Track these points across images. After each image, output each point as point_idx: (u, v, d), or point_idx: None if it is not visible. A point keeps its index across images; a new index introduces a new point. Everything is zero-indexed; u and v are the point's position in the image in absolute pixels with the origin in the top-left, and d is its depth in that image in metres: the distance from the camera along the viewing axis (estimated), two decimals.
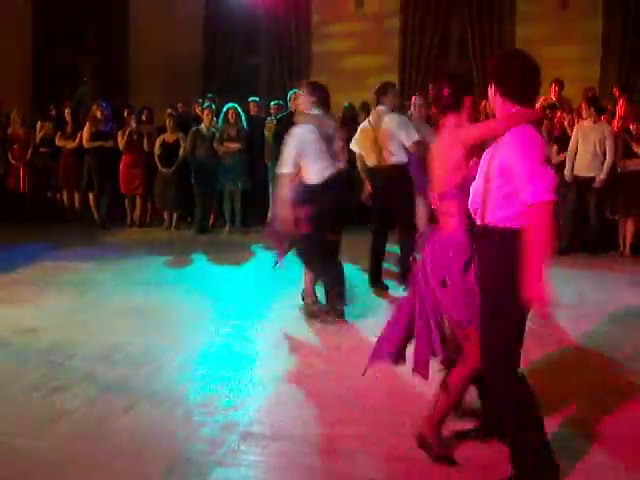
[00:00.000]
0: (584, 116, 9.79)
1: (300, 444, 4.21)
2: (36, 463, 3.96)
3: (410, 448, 4.09)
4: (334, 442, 4.24)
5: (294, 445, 4.20)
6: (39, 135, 12.49)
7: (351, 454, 4.09)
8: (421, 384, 4.32)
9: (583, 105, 9.91)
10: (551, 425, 4.03)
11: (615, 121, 10.18)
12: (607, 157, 9.65)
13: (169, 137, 11.70)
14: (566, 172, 9.77)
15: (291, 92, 11.24)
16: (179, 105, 12.84)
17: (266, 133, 11.44)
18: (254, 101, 12.26)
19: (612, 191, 9.79)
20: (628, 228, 9.78)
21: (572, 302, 7.18)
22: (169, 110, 12.20)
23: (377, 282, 7.78)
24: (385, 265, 7.99)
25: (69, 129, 12.23)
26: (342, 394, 4.93)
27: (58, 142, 12.24)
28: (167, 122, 11.79)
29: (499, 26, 13.34)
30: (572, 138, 9.87)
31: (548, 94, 11.46)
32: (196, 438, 4.27)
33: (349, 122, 11.90)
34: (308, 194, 6.35)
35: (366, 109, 11.73)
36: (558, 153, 10.03)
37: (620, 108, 10.46)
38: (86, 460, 4.01)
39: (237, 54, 14.73)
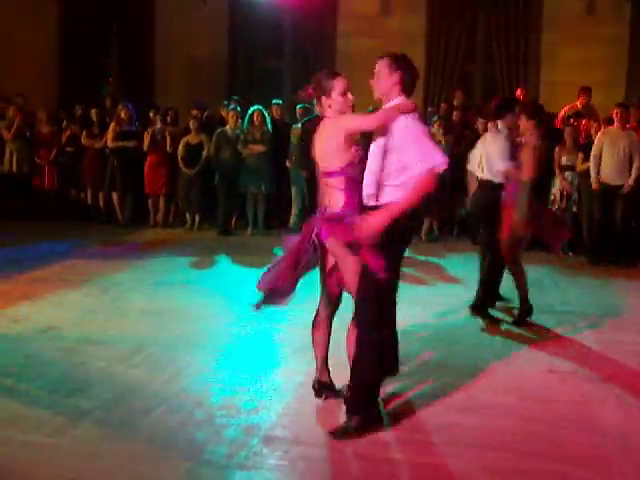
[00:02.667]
0: (616, 122, 9.65)
1: (322, 449, 4.19)
2: (54, 463, 3.95)
3: (434, 454, 4.07)
4: (356, 447, 4.20)
5: (316, 450, 4.17)
6: (65, 134, 12.56)
7: (373, 460, 4.05)
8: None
9: (617, 110, 9.76)
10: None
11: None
12: (636, 163, 9.54)
13: (193, 138, 11.71)
14: (592, 179, 9.67)
15: None
16: (201, 106, 12.83)
17: (292, 137, 11.43)
18: (277, 104, 12.24)
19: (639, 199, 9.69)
20: None
21: (596, 312, 7.12)
22: (194, 111, 12.22)
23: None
24: None
25: (95, 129, 12.29)
26: None
27: (84, 142, 12.30)
28: (191, 123, 11.80)
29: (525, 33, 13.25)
30: (596, 143, 9.71)
31: (574, 101, 11.37)
32: (217, 440, 4.25)
33: None
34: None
35: None
36: (582, 162, 9.93)
37: None
38: (105, 462, 3.99)
39: (261, 56, 14.72)
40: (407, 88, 4.45)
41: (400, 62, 4.48)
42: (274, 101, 12.34)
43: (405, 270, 8.05)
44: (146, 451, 4.11)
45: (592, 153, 9.69)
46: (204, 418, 4.56)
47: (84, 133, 12.33)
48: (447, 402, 4.86)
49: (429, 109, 12.55)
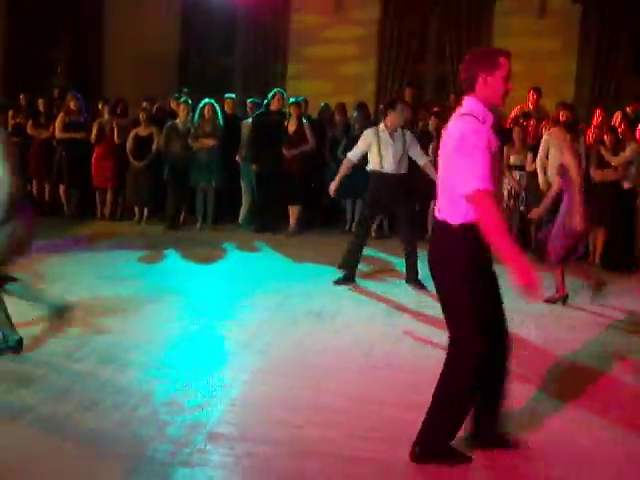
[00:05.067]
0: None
1: (267, 445, 4.16)
2: None
3: (375, 450, 4.07)
4: (301, 444, 4.19)
5: (261, 446, 4.15)
6: (11, 123, 12.29)
7: (320, 456, 4.04)
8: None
9: (562, 111, 9.90)
10: None
11: (590, 131, 10.16)
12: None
13: (142, 130, 11.55)
14: (540, 180, 9.75)
15: (274, 91, 11.25)
16: (151, 98, 12.67)
17: (243, 131, 11.38)
18: (230, 98, 12.14)
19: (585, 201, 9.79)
20: (599, 238, 9.82)
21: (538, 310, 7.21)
22: (144, 104, 12.06)
23: None
24: None
25: (42, 119, 12.08)
26: (309, 396, 4.89)
27: (30, 131, 12.07)
28: (141, 115, 11.64)
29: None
30: (542, 144, 9.73)
31: (525, 102, 11.47)
32: (161, 437, 4.20)
33: (325, 122, 11.91)
34: None
35: (342, 110, 11.71)
36: (532, 162, 10.04)
37: (596, 118, 10.48)
38: (47, 459, 3.92)
39: (213, 53, 14.60)
40: None
41: None
42: (227, 95, 12.23)
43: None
44: (89, 448, 4.05)
45: (538, 154, 9.79)
46: (148, 415, 4.50)
47: (30, 122, 12.10)
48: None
49: (380, 106, 12.56)
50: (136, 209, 11.77)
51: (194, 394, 4.85)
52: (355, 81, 13.60)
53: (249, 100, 12.05)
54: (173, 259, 9.23)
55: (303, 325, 6.55)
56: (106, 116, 11.80)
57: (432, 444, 4.02)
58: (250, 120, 11.40)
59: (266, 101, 11.31)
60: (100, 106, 12.13)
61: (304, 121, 11.05)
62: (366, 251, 8.39)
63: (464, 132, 3.78)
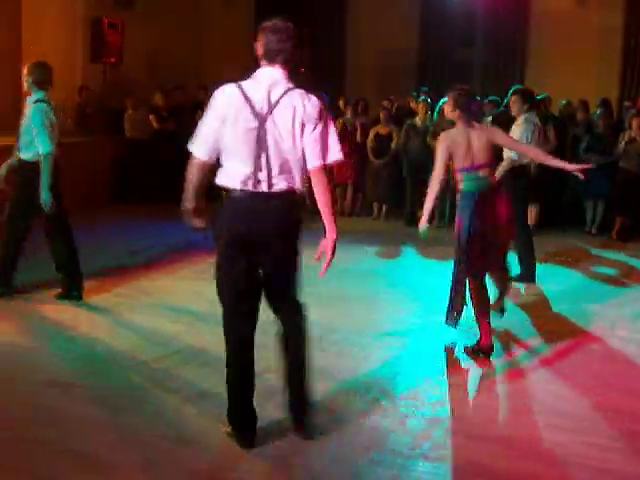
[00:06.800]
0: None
1: (493, 444, 4.16)
2: None
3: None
4: (535, 446, 4.15)
5: (491, 444, 4.15)
6: None
7: (553, 461, 3.98)
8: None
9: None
10: None
11: None
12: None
13: (382, 129, 11.81)
14: None
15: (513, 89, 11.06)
16: (392, 98, 12.93)
17: None
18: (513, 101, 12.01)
19: None
20: None
21: None
22: (384, 102, 12.32)
23: None
24: None
25: None
26: (551, 400, 4.81)
27: None
28: (381, 114, 11.91)
29: None
30: None
31: None
32: (401, 430, 4.31)
33: (566, 120, 11.58)
34: None
35: (584, 108, 11.35)
36: None
37: None
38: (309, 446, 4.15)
39: (452, 48, 14.61)
40: None
41: None
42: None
43: None
44: (331, 433, 4.24)
45: None
46: (389, 406, 4.64)
47: None
48: None
49: (626, 103, 12.07)
50: (375, 206, 12.04)
51: (435, 389, 4.94)
52: (597, 78, 13.14)
53: (487, 99, 11.97)
54: (411, 255, 9.33)
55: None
56: (348, 115, 12.16)
57: None
58: (489, 119, 11.30)
59: (506, 100, 11.16)
60: (342, 105, 12.53)
61: (547, 121, 10.78)
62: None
63: None
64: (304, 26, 15.29)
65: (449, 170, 5.59)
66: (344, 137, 11.97)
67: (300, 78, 13.75)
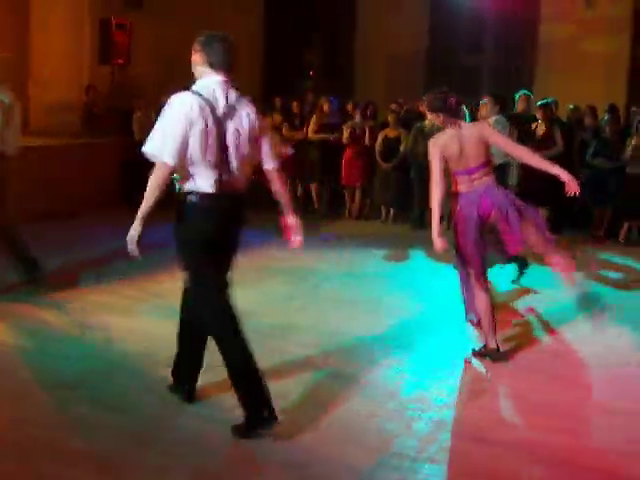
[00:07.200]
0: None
1: (503, 447, 4.15)
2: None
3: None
4: (539, 448, 4.14)
5: (497, 447, 4.14)
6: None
7: (557, 463, 3.98)
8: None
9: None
10: None
11: None
12: None
13: (391, 132, 11.81)
14: None
15: (520, 93, 11.06)
16: (400, 101, 12.93)
17: None
18: (525, 95, 11.97)
19: None
20: None
21: None
22: (392, 106, 12.32)
23: None
24: None
25: (296, 121, 12.68)
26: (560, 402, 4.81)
27: (285, 133, 12.69)
28: (390, 117, 11.91)
29: None
30: None
31: None
32: (408, 433, 4.31)
33: (573, 125, 11.55)
34: None
35: (592, 113, 11.33)
36: None
37: None
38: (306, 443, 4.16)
39: (460, 53, 14.62)
40: None
41: None
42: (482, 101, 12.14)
43: None
44: (336, 435, 4.25)
45: None
46: (396, 409, 4.64)
47: (286, 125, 12.72)
48: None
49: (633, 109, 12.04)
50: (383, 209, 12.04)
51: (442, 392, 4.94)
52: (605, 84, 13.13)
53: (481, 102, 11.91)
54: (418, 258, 9.33)
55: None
56: (357, 118, 12.17)
57: None
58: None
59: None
60: (350, 109, 12.54)
61: (553, 124, 10.77)
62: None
63: None
64: (313, 30, 15.42)
65: (446, 174, 5.59)
66: (353, 140, 11.99)
67: (309, 80, 13.86)
